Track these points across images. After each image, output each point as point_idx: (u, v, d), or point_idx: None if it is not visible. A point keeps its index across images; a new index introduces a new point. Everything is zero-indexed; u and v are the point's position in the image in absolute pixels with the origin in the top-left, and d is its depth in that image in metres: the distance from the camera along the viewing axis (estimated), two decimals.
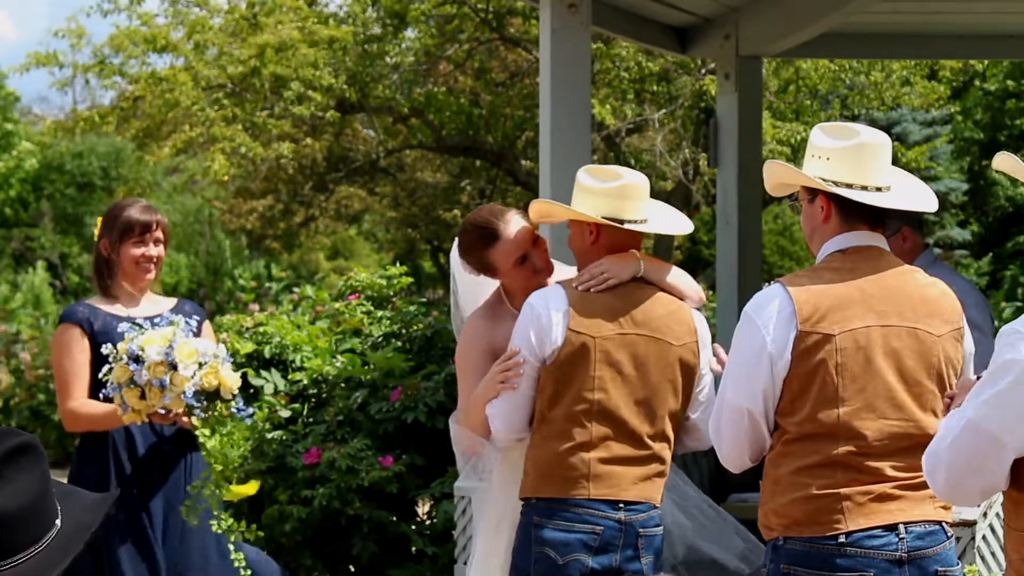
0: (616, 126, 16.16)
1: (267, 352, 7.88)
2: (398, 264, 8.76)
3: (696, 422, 4.78)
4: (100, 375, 5.18)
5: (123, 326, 5.24)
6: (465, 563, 6.08)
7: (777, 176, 4.27)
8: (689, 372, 4.72)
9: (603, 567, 4.54)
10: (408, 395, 7.30)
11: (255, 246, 25.31)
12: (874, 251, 4.14)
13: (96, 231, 5.57)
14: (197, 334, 5.31)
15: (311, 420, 7.60)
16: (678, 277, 4.80)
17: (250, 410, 5.29)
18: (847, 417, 3.99)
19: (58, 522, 2.37)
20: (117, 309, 5.43)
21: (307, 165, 18.88)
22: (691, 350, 4.73)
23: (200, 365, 5.07)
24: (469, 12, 15.98)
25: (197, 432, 5.13)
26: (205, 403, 5.08)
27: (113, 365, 5.11)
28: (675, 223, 4.87)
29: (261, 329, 8.05)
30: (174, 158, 18.41)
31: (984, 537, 5.98)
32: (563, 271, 4.96)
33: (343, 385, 7.63)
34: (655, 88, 15.93)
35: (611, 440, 4.59)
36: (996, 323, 6.55)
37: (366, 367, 7.64)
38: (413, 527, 7.34)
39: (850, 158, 4.08)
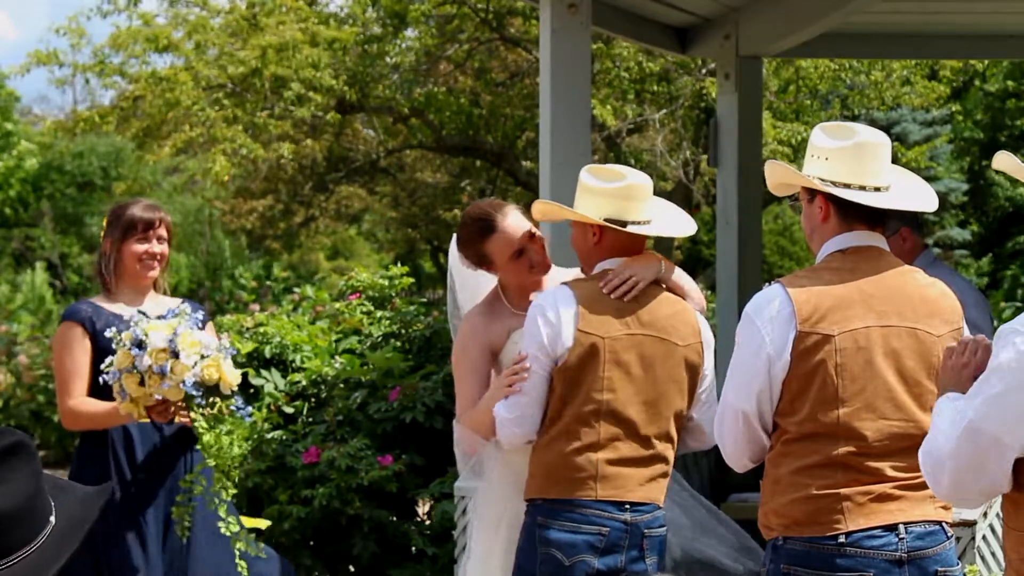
0: (617, 126, 16.16)
1: (267, 352, 7.89)
2: (398, 264, 8.75)
3: (699, 422, 4.78)
4: (102, 365, 5.17)
5: (133, 315, 5.23)
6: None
7: (777, 176, 4.27)
8: (693, 372, 4.73)
9: (608, 568, 4.54)
10: (406, 395, 7.31)
11: (255, 246, 25.31)
12: (874, 251, 4.13)
13: (101, 231, 5.57)
14: (201, 330, 5.31)
15: (311, 420, 7.60)
16: (685, 279, 4.81)
17: (248, 409, 5.29)
18: (847, 417, 3.99)
19: (52, 519, 2.36)
20: (119, 308, 5.43)
21: (307, 165, 18.89)
22: (696, 350, 4.74)
23: (202, 357, 5.08)
24: (469, 12, 15.98)
25: (195, 424, 5.11)
26: (203, 396, 5.08)
27: (116, 351, 5.11)
28: (678, 225, 4.88)
29: (261, 329, 8.06)
30: (174, 158, 18.41)
31: (984, 537, 5.98)
32: (559, 273, 4.96)
33: (342, 385, 7.63)
34: (655, 88, 15.93)
35: (619, 441, 4.59)
36: (995, 323, 6.55)
37: (365, 367, 7.64)
38: (413, 527, 7.34)
39: (849, 158, 4.08)
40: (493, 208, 4.90)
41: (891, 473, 3.99)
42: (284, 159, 16.02)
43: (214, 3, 16.66)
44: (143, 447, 5.39)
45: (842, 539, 3.95)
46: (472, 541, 4.94)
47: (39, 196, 29.07)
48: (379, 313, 8.09)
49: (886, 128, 20.14)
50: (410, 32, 16.61)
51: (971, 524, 5.82)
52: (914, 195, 4.22)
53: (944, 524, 4.08)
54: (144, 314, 5.23)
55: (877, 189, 4.10)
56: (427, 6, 15.90)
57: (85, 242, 28.81)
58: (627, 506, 4.58)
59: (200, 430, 5.10)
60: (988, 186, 24.62)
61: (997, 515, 5.92)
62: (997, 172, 23.47)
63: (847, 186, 4.08)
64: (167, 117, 15.95)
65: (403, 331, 7.83)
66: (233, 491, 5.21)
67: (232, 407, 5.17)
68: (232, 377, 5.14)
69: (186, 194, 26.75)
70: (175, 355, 5.04)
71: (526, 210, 4.93)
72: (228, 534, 5.21)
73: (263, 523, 5.61)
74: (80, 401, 5.34)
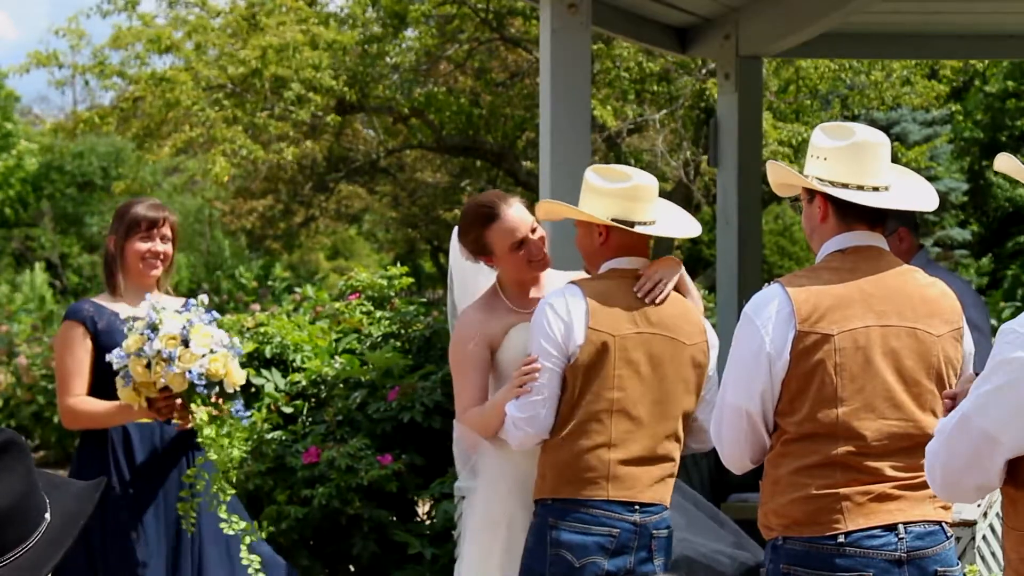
0: (617, 127, 16.17)
1: (268, 352, 7.89)
2: (398, 264, 8.75)
3: (702, 423, 4.78)
4: (110, 354, 5.17)
5: (150, 298, 5.25)
6: None
7: (777, 176, 4.27)
8: (700, 372, 4.74)
9: (618, 569, 4.54)
10: (405, 395, 7.31)
11: (255, 246, 25.32)
12: (874, 251, 4.13)
13: (105, 229, 5.59)
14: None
15: (310, 420, 7.60)
16: (688, 281, 4.84)
17: (248, 413, 5.29)
18: (846, 417, 3.99)
19: (47, 515, 2.36)
20: (122, 308, 5.43)
21: (307, 165, 18.89)
22: (702, 349, 4.75)
23: (211, 351, 5.10)
24: (469, 12, 15.99)
25: (194, 415, 5.11)
26: (206, 387, 5.09)
27: (128, 335, 5.13)
28: (683, 226, 4.89)
29: (262, 329, 8.06)
30: (174, 158, 18.42)
31: (984, 537, 5.98)
32: (555, 275, 4.96)
33: (342, 385, 7.63)
34: (655, 88, 15.94)
35: (630, 440, 4.59)
36: (994, 323, 6.56)
37: (365, 367, 7.64)
38: (413, 527, 7.34)
39: (847, 158, 4.08)
40: (498, 197, 4.92)
41: (890, 473, 3.99)
42: (285, 161, 16.02)
43: (213, 3, 16.66)
44: (143, 448, 5.39)
45: (841, 539, 3.95)
46: (467, 541, 4.89)
47: (39, 196, 29.09)
48: (379, 313, 8.09)
49: (886, 128, 20.14)
50: (410, 32, 16.62)
51: (971, 524, 5.82)
52: (913, 195, 4.22)
53: (944, 524, 4.07)
54: (159, 308, 5.25)
55: (876, 189, 4.09)
56: (427, 6, 15.91)
57: (85, 242, 28.82)
58: (636, 507, 4.58)
59: (200, 423, 5.10)
60: (988, 186, 24.63)
61: (997, 515, 5.92)
62: (997, 173, 23.47)
63: (845, 186, 4.08)
64: (167, 117, 15.96)
65: (403, 331, 7.83)
66: (232, 491, 5.20)
67: (232, 410, 5.17)
68: (238, 376, 5.16)
69: (186, 194, 26.77)
70: (185, 343, 5.06)
71: (530, 205, 4.94)
72: (231, 533, 5.21)
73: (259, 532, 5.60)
74: (80, 400, 5.34)
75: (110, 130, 17.87)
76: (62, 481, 2.47)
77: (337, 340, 8.01)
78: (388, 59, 16.32)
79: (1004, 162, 3.46)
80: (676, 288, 4.75)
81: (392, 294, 8.25)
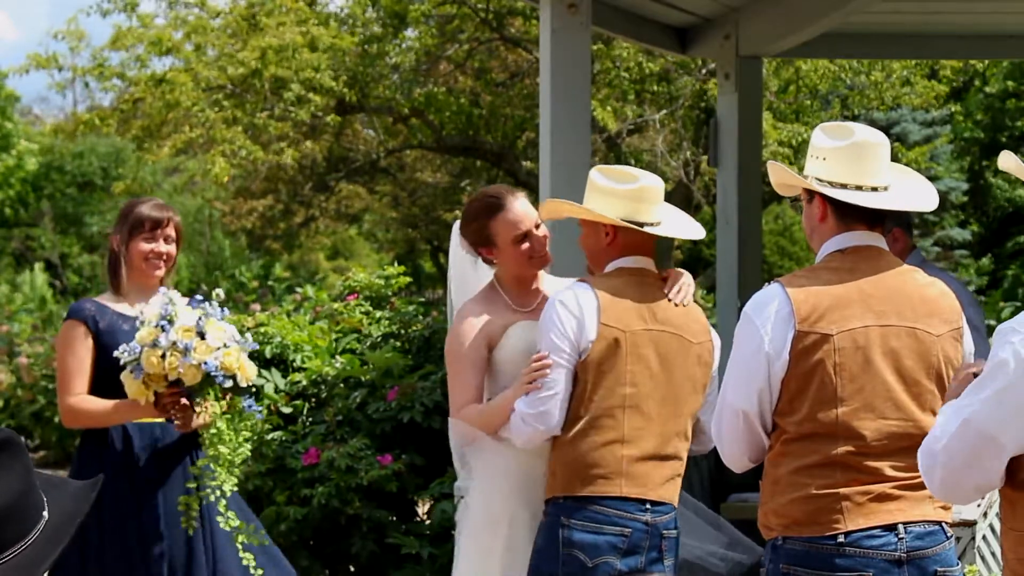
0: (617, 128, 16.17)
1: (268, 352, 7.89)
2: (397, 264, 8.76)
3: (703, 424, 4.78)
4: (118, 349, 5.18)
5: (164, 292, 5.26)
6: None
7: (777, 177, 4.28)
8: (705, 371, 4.76)
9: (630, 569, 4.54)
10: (405, 395, 7.31)
11: (255, 246, 25.32)
12: (873, 251, 4.13)
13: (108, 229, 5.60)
14: None
15: (310, 420, 7.60)
16: None
17: (259, 408, 5.31)
18: (846, 417, 3.99)
19: (45, 514, 2.36)
20: (125, 308, 5.44)
21: (307, 165, 18.90)
22: (707, 349, 4.77)
23: (225, 345, 5.11)
24: (469, 12, 15.99)
25: (206, 408, 5.12)
26: (224, 381, 5.11)
27: (140, 328, 5.14)
28: (689, 227, 4.92)
29: (262, 329, 8.06)
30: (174, 158, 18.42)
31: (984, 537, 5.98)
32: (551, 281, 4.97)
33: (342, 385, 7.63)
34: (655, 88, 15.94)
35: (641, 436, 4.60)
36: (993, 323, 6.55)
37: (365, 367, 7.64)
38: (412, 527, 7.34)
39: (846, 158, 4.08)
40: (506, 190, 4.96)
41: (890, 473, 3.99)
42: (285, 162, 16.02)
43: (213, 4, 16.67)
44: (143, 448, 5.39)
45: (841, 539, 3.95)
46: (466, 540, 4.87)
47: (39, 196, 29.09)
48: (378, 313, 8.09)
49: (886, 128, 20.14)
50: (410, 32, 16.62)
51: (971, 524, 5.83)
52: (913, 195, 4.21)
53: (944, 524, 4.07)
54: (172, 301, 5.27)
55: (875, 189, 4.09)
56: (427, 6, 15.91)
57: (85, 242, 28.82)
58: (648, 505, 4.59)
59: (215, 414, 5.11)
60: (988, 186, 24.63)
61: (997, 515, 5.92)
62: (997, 173, 23.48)
63: (844, 186, 4.08)
64: (167, 118, 15.96)
65: (402, 331, 7.83)
66: (235, 481, 5.19)
67: (245, 405, 5.19)
68: (251, 371, 5.18)
69: (186, 194, 26.78)
70: (201, 336, 5.08)
71: (531, 205, 4.96)
72: (228, 528, 5.21)
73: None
74: (80, 399, 5.34)
75: (110, 132, 17.88)
76: (60, 480, 2.48)
77: (337, 340, 8.02)
78: (388, 59, 16.32)
79: (1007, 161, 3.46)
80: None
81: (390, 294, 8.25)
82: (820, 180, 4.10)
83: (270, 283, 21.96)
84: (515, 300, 4.88)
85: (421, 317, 7.89)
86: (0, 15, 75.83)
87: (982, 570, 5.80)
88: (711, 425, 4.27)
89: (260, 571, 5.24)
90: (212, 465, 5.15)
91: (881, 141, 4.15)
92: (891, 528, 3.97)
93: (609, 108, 15.62)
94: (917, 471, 3.53)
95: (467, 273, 5.05)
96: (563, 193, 5.79)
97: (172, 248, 5.52)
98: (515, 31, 16.37)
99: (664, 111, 16.19)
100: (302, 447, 7.32)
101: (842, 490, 3.97)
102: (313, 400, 7.74)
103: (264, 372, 7.74)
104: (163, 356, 5.07)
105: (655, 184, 4.73)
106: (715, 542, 5.52)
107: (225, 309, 5.31)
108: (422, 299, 9.85)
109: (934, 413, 4.03)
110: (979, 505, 6.01)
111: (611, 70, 15.56)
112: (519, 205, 4.86)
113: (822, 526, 3.97)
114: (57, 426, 14.56)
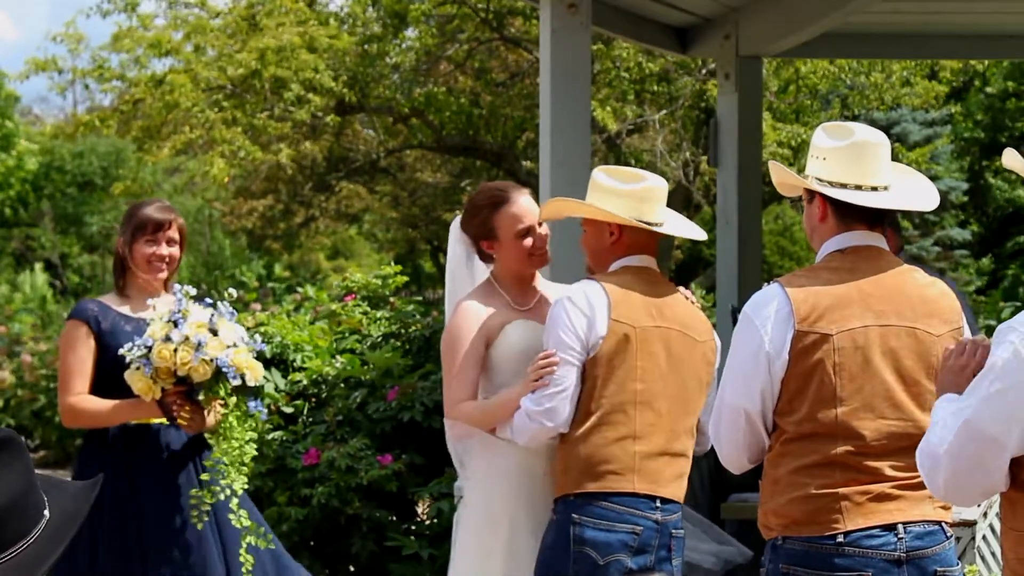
0: (617, 127, 16.17)
1: (268, 352, 7.89)
2: (397, 264, 8.76)
3: (702, 425, 4.79)
4: (124, 347, 5.19)
5: (177, 289, 5.29)
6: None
7: (778, 177, 4.28)
8: (710, 370, 4.78)
9: (640, 567, 4.55)
10: (405, 395, 7.31)
11: (255, 246, 25.31)
12: (873, 251, 4.13)
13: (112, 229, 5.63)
14: None
15: (311, 420, 7.61)
16: None
17: (262, 407, 5.33)
18: (845, 417, 3.99)
19: (47, 513, 2.37)
20: (128, 309, 5.44)
21: (307, 165, 18.90)
22: (711, 348, 4.80)
23: (235, 344, 5.14)
24: (469, 12, 15.99)
25: (217, 403, 5.14)
26: (235, 379, 5.14)
27: (152, 324, 5.15)
28: (690, 228, 4.96)
29: (262, 329, 8.06)
30: (174, 159, 18.43)
31: (984, 537, 5.98)
32: (549, 287, 4.97)
33: (343, 385, 7.64)
34: (655, 89, 15.94)
35: (652, 432, 4.61)
36: (993, 323, 6.56)
37: (365, 367, 7.64)
38: (412, 527, 7.34)
39: (846, 158, 4.08)
40: (511, 185, 4.99)
41: (890, 473, 3.99)
42: (283, 162, 16.03)
43: (213, 4, 16.67)
44: (145, 449, 5.39)
45: (841, 539, 3.95)
46: (466, 539, 4.86)
47: (39, 196, 29.08)
48: (378, 313, 8.09)
49: (886, 128, 20.13)
50: (410, 32, 16.62)
51: (971, 524, 5.83)
52: (913, 195, 4.21)
53: (943, 524, 4.07)
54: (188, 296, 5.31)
55: (875, 189, 4.10)
56: (427, 6, 15.91)
57: (85, 242, 28.82)
58: (658, 503, 4.59)
59: (223, 411, 5.14)
60: (988, 186, 24.62)
61: (997, 515, 5.92)
62: (997, 173, 23.47)
63: (844, 186, 4.08)
64: (167, 119, 15.96)
65: (402, 331, 7.84)
66: (244, 480, 5.20)
67: (251, 404, 5.21)
68: (259, 370, 5.21)
69: (186, 195, 26.78)
70: (213, 332, 5.11)
71: (536, 201, 4.98)
72: (239, 527, 5.22)
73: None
74: (81, 398, 5.34)
75: (110, 133, 17.88)
76: (60, 481, 2.48)
77: (337, 340, 8.02)
78: (388, 59, 16.32)
79: (1012, 159, 3.46)
80: None
81: (387, 293, 8.25)
82: (820, 180, 4.10)
83: (270, 283, 21.95)
84: (514, 298, 4.88)
85: (421, 317, 7.89)
86: (0, 15, 75.83)
87: (982, 570, 5.80)
88: (709, 426, 4.28)
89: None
90: (225, 459, 5.16)
91: (881, 141, 4.15)
92: (891, 528, 3.97)
93: (609, 108, 15.62)
94: (916, 471, 3.53)
95: (460, 272, 5.04)
96: (563, 193, 5.79)
97: (175, 250, 5.52)
98: (515, 31, 16.37)
99: (664, 111, 16.19)
100: (302, 447, 7.32)
101: (841, 490, 3.97)
102: (313, 400, 7.74)
103: (265, 372, 7.76)
104: (175, 351, 5.09)
105: (660, 184, 4.75)
106: (704, 541, 5.52)
107: (233, 310, 5.34)
108: (421, 299, 9.85)
109: None
110: (979, 505, 6.01)
111: (611, 70, 15.56)
112: (524, 200, 4.89)
113: (821, 526, 3.97)
114: (57, 426, 14.57)
